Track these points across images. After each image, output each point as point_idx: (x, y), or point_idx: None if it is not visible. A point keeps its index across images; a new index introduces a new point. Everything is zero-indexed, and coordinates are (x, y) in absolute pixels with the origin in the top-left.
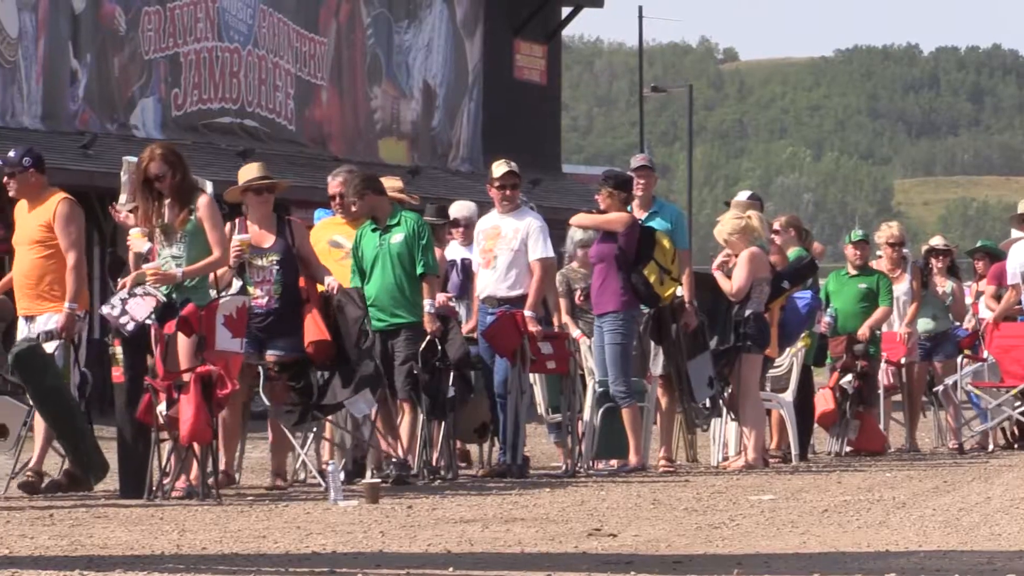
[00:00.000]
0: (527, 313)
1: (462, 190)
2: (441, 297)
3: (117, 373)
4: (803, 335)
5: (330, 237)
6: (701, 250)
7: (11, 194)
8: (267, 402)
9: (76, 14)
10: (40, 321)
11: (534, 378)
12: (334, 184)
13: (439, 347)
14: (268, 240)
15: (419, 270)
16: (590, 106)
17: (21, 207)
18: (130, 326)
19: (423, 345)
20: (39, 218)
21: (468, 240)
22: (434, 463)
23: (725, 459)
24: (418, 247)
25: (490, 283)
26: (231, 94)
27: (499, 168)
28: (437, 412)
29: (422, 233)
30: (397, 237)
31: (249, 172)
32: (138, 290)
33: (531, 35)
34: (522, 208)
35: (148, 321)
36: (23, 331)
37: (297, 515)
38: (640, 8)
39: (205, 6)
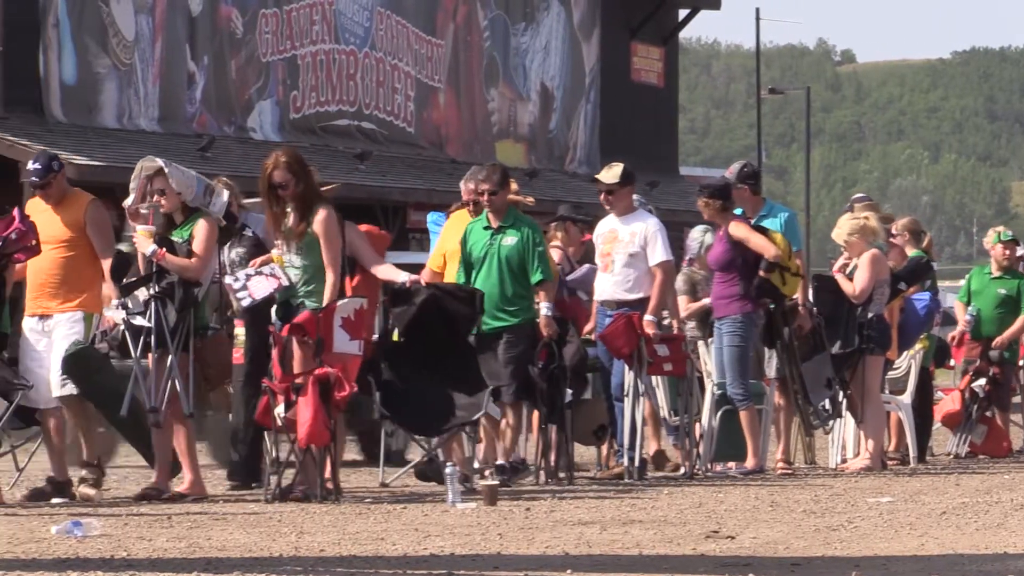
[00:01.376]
0: (647, 317)
1: (579, 192)
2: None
3: (238, 354)
4: (921, 337)
5: (461, 236)
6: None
7: (48, 203)
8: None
9: (193, 16)
10: (61, 320)
11: (656, 381)
12: (467, 190)
13: (556, 351)
14: None
15: (537, 277)
16: (707, 108)
17: (36, 206)
18: (246, 301)
19: (539, 348)
20: (66, 218)
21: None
22: (552, 467)
23: (844, 461)
24: (534, 253)
25: (608, 286)
26: (348, 96)
27: (601, 175)
28: (555, 416)
29: (538, 239)
30: (509, 240)
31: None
32: (265, 269)
33: (648, 37)
34: (639, 211)
35: (263, 300)
36: (32, 330)
37: (415, 517)
38: (757, 10)
39: (321, 8)
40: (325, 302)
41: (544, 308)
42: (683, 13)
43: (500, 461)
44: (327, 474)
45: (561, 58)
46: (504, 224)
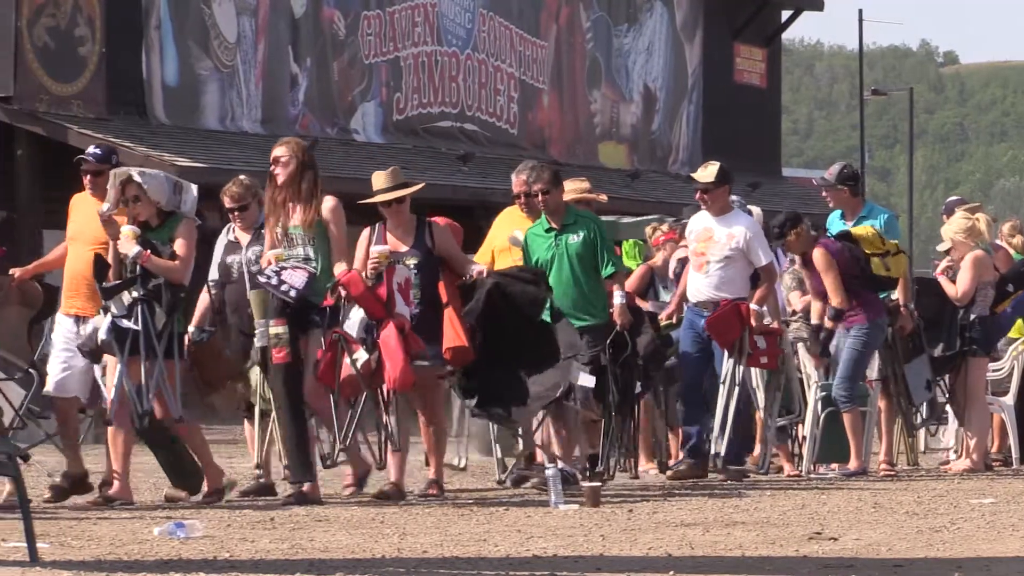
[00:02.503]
0: (752, 307)
1: (682, 194)
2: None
3: (280, 355)
4: None
5: (510, 233)
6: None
7: (89, 192)
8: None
9: (296, 18)
10: (96, 322)
11: (757, 381)
12: (518, 182)
13: (629, 341)
14: (405, 244)
15: (608, 270)
16: (810, 109)
17: (81, 203)
18: (292, 292)
19: (610, 338)
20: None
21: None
22: (613, 460)
23: (946, 462)
24: (602, 248)
25: (703, 287)
26: (451, 98)
27: (697, 174)
28: (625, 409)
29: (603, 233)
30: (575, 238)
31: (377, 181)
32: (287, 263)
33: (751, 38)
34: (735, 211)
35: (305, 288)
36: (68, 330)
37: (518, 518)
38: (860, 11)
39: (424, 10)
40: (340, 276)
41: (618, 297)
42: (786, 14)
43: (562, 465)
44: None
45: (664, 59)
46: (566, 223)
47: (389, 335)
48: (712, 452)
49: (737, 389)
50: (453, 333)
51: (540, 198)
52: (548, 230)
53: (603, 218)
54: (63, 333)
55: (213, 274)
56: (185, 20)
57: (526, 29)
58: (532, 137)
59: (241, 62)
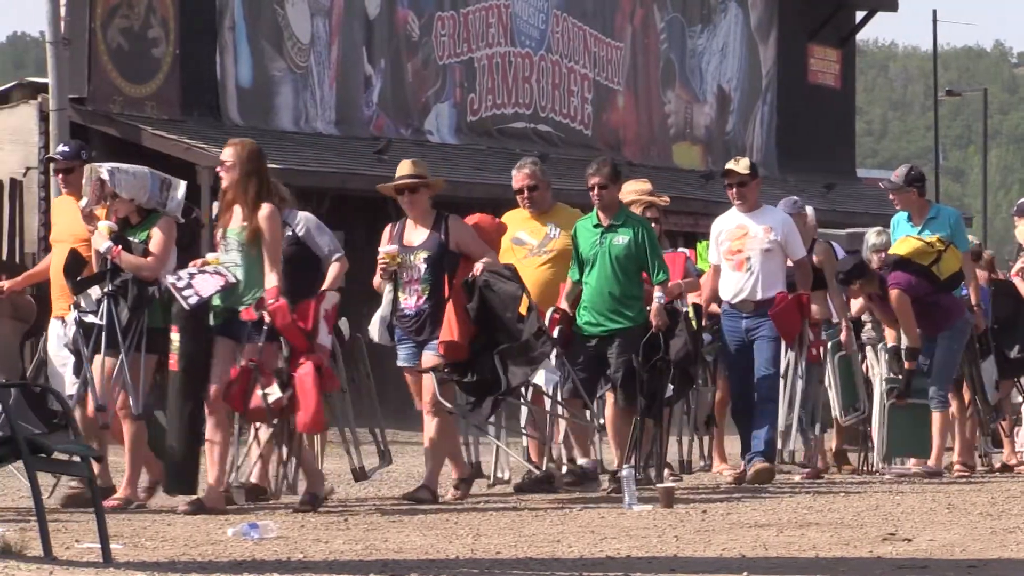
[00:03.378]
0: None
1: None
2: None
3: (172, 361)
4: None
5: (514, 234)
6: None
7: (64, 190)
8: (447, 406)
9: (370, 19)
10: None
11: (829, 380)
12: (520, 177)
13: (662, 343)
14: (420, 238)
15: (660, 277)
16: (884, 110)
17: (60, 204)
18: (192, 299)
19: (645, 338)
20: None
21: None
22: (644, 465)
23: (1021, 463)
24: (652, 253)
25: (745, 285)
26: (524, 99)
27: (733, 166)
28: (654, 412)
29: (652, 238)
30: (621, 239)
31: (400, 170)
32: (208, 268)
33: (825, 39)
34: (765, 205)
35: (210, 298)
36: (57, 332)
37: (591, 519)
38: (934, 12)
39: (498, 11)
40: (268, 302)
41: (658, 294)
42: (860, 15)
43: (582, 461)
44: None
45: (738, 60)
46: (615, 222)
47: (307, 374)
48: (779, 448)
49: (800, 383)
50: (447, 328)
51: (596, 191)
52: (596, 226)
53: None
54: (56, 337)
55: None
56: (259, 21)
57: (600, 30)
58: (606, 138)
59: (315, 63)
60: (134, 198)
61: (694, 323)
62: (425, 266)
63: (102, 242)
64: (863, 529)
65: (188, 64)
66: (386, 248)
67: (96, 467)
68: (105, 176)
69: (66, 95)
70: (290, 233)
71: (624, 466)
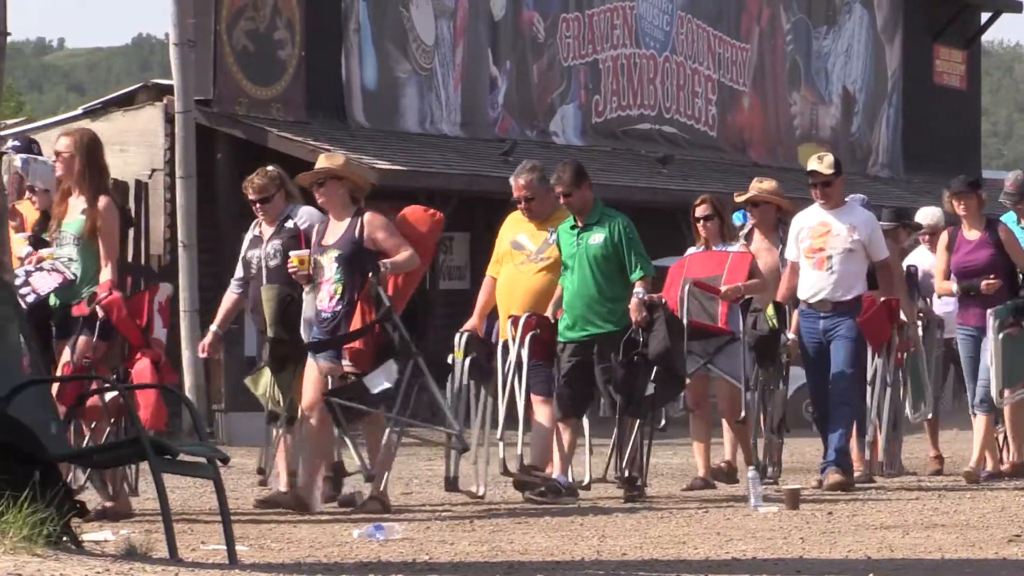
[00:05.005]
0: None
1: (882, 196)
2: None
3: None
4: None
5: (513, 238)
6: None
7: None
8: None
9: (495, 21)
10: None
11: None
12: (515, 188)
13: (641, 339)
14: (334, 236)
15: (637, 274)
16: (1010, 111)
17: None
18: (30, 298)
19: (625, 336)
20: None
21: (932, 247)
22: (625, 471)
23: None
24: (628, 249)
25: (826, 285)
26: (649, 100)
27: (815, 165)
28: (633, 410)
29: (630, 233)
30: (596, 237)
31: (318, 163)
32: (45, 264)
33: (950, 40)
34: (849, 203)
35: (46, 294)
36: None
37: (717, 521)
38: None
39: (623, 13)
40: (102, 296)
41: (636, 291)
42: (985, 16)
43: (556, 476)
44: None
45: (863, 61)
46: (590, 221)
47: (144, 370)
48: (868, 458)
49: (889, 390)
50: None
51: (563, 200)
52: (573, 227)
53: None
54: None
55: (238, 272)
56: (383, 23)
57: (725, 31)
58: (731, 139)
59: (439, 65)
60: (50, 188)
61: (774, 322)
62: (336, 265)
63: (21, 248)
64: (988, 531)
65: (314, 66)
66: (296, 252)
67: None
68: (18, 166)
69: (191, 97)
70: (291, 226)
71: (749, 468)
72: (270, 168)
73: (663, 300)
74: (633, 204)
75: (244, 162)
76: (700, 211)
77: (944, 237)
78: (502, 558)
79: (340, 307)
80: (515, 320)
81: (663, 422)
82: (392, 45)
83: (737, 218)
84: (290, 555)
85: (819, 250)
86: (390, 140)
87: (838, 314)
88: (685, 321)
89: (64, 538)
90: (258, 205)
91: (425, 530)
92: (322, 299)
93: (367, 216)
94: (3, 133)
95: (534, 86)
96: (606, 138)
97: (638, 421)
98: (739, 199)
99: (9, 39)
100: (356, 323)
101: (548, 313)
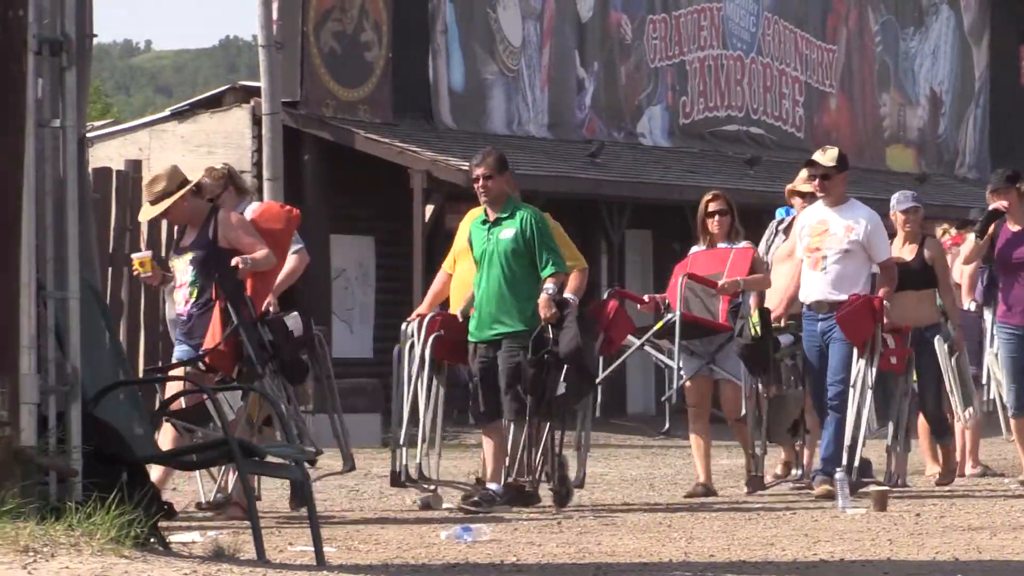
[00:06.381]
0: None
1: (969, 197)
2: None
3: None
4: None
5: (471, 235)
6: None
7: None
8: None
9: (583, 22)
10: None
11: (950, 385)
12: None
13: (550, 337)
14: (190, 238)
15: (547, 271)
16: None
17: None
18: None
19: (535, 333)
20: None
21: None
22: (537, 473)
23: None
24: (539, 244)
25: (821, 285)
26: (736, 102)
27: (818, 156)
28: (543, 412)
29: (542, 227)
30: (506, 232)
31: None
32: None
33: None
34: (851, 201)
35: None
36: None
37: (805, 523)
38: None
39: (710, 14)
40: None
41: (549, 286)
42: None
43: (491, 485)
44: None
45: (950, 62)
46: (501, 216)
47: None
48: (844, 463)
49: (870, 393)
50: (210, 332)
51: (481, 183)
52: (484, 222)
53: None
54: None
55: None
56: (471, 25)
57: (812, 33)
58: (819, 140)
59: (525, 66)
60: None
61: (757, 328)
62: (192, 268)
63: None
64: None
65: (400, 68)
66: (137, 255)
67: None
68: None
69: (279, 99)
70: None
71: (839, 470)
72: (219, 166)
73: (574, 299)
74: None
75: (331, 164)
76: (714, 206)
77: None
78: (590, 560)
79: (195, 309)
80: (420, 319)
81: (667, 426)
82: (479, 46)
83: (779, 213)
84: (377, 556)
85: (816, 250)
86: (477, 142)
87: (834, 316)
88: (678, 315)
89: (151, 539)
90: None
91: (512, 531)
92: (178, 302)
93: (221, 215)
94: (91, 135)
95: (621, 87)
96: (693, 139)
97: (548, 423)
98: (802, 185)
99: (96, 41)
100: (215, 323)
101: (458, 311)
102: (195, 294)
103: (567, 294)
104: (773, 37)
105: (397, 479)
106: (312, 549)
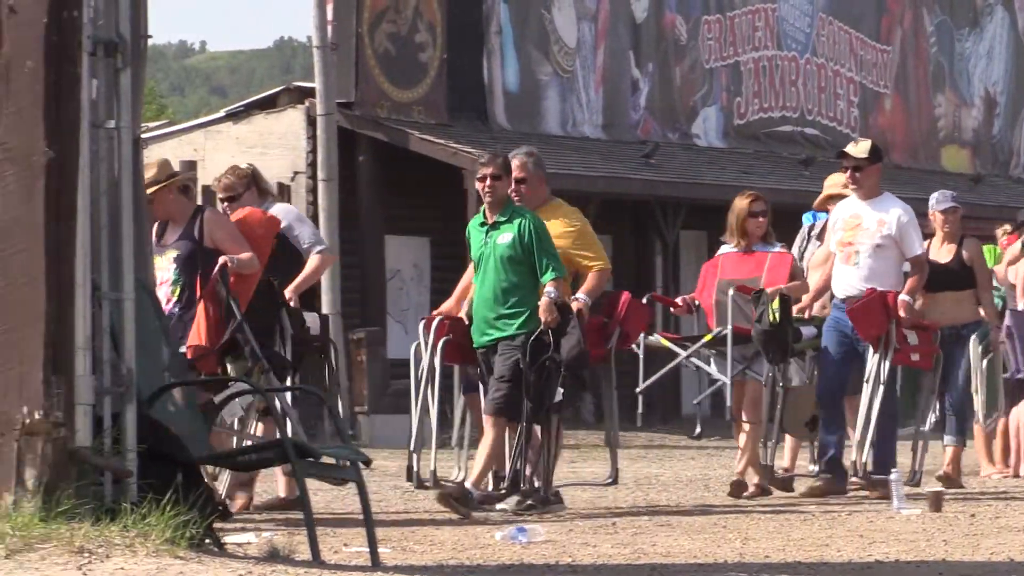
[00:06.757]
0: (902, 297)
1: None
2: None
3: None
4: None
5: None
6: None
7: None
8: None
9: (637, 23)
10: None
11: (975, 384)
12: (513, 167)
13: (551, 342)
14: (173, 236)
15: (548, 276)
16: None
17: None
18: None
19: (534, 336)
20: None
21: None
22: (526, 480)
23: None
24: (537, 249)
25: (853, 280)
26: (791, 103)
27: (850, 148)
28: (540, 418)
29: (540, 233)
30: (504, 237)
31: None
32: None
33: None
34: (885, 195)
35: None
36: None
37: (860, 524)
38: None
39: (764, 15)
40: None
41: (550, 289)
42: None
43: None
44: None
45: (1005, 63)
46: (500, 219)
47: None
48: (853, 460)
49: (882, 388)
50: (196, 331)
51: (488, 183)
52: (483, 224)
53: None
54: None
55: None
56: (525, 25)
57: (867, 33)
58: (874, 141)
59: (580, 67)
60: None
61: (776, 315)
62: (174, 266)
63: None
64: None
65: (455, 69)
66: None
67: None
68: None
69: (333, 100)
70: None
71: (894, 470)
72: (243, 166)
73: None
74: (776, 206)
75: (386, 165)
76: (757, 206)
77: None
78: (645, 560)
79: (177, 308)
80: (427, 323)
81: (699, 430)
82: (534, 47)
83: (807, 218)
84: (432, 557)
85: (848, 244)
86: (531, 142)
87: (846, 310)
88: (730, 327)
89: (207, 540)
90: (226, 204)
91: (567, 532)
92: (160, 300)
93: (207, 214)
94: (146, 136)
95: (676, 88)
96: (748, 140)
97: (542, 428)
98: (832, 189)
99: (151, 42)
100: (199, 322)
101: (463, 313)
102: (177, 292)
103: (580, 294)
104: (828, 38)
105: (412, 477)
106: (367, 550)
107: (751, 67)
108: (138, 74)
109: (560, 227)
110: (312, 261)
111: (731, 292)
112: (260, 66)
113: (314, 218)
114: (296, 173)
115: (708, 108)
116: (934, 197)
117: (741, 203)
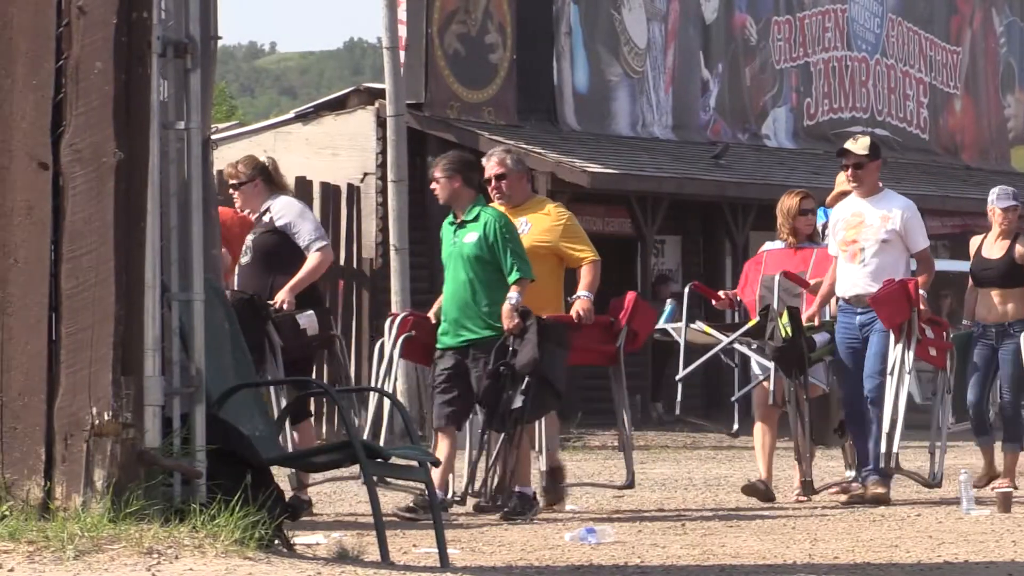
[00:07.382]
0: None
1: None
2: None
3: None
4: None
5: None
6: None
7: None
8: None
9: (707, 24)
10: None
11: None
12: (489, 165)
13: (511, 348)
14: None
15: (513, 276)
16: None
17: None
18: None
19: (498, 344)
20: None
21: None
22: (486, 487)
23: None
24: (503, 250)
25: (859, 279)
26: (861, 103)
27: (850, 145)
28: (496, 423)
29: (505, 231)
30: (470, 236)
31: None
32: None
33: None
34: (886, 191)
35: None
36: None
37: (929, 524)
38: None
39: (834, 16)
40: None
41: (512, 295)
42: None
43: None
44: None
45: None
46: (467, 217)
47: None
48: (883, 451)
49: (908, 378)
50: None
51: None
52: (452, 223)
53: None
54: None
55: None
56: (595, 26)
57: (936, 34)
58: (943, 142)
59: (650, 68)
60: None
61: (788, 330)
62: None
63: None
64: None
65: (525, 69)
66: None
67: (434, 473)
68: None
69: (403, 101)
70: (267, 219)
71: (963, 471)
72: (262, 157)
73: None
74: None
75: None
76: (807, 204)
77: None
78: (713, 561)
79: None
80: (392, 318)
81: (735, 427)
82: (603, 48)
83: (821, 216)
84: (501, 558)
85: (852, 242)
86: (601, 143)
87: (868, 298)
88: (776, 303)
89: (276, 541)
90: (232, 191)
91: (636, 533)
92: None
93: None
94: (216, 137)
95: (746, 89)
96: (818, 141)
97: (502, 435)
98: (843, 186)
99: (221, 43)
100: None
101: (431, 313)
102: None
103: (582, 291)
104: (897, 38)
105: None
106: (436, 551)
107: (821, 68)
108: (208, 75)
109: (548, 222)
110: (311, 259)
111: (778, 277)
112: (330, 67)
113: (384, 219)
114: (366, 174)
115: (778, 109)
116: (994, 192)
117: (791, 201)
